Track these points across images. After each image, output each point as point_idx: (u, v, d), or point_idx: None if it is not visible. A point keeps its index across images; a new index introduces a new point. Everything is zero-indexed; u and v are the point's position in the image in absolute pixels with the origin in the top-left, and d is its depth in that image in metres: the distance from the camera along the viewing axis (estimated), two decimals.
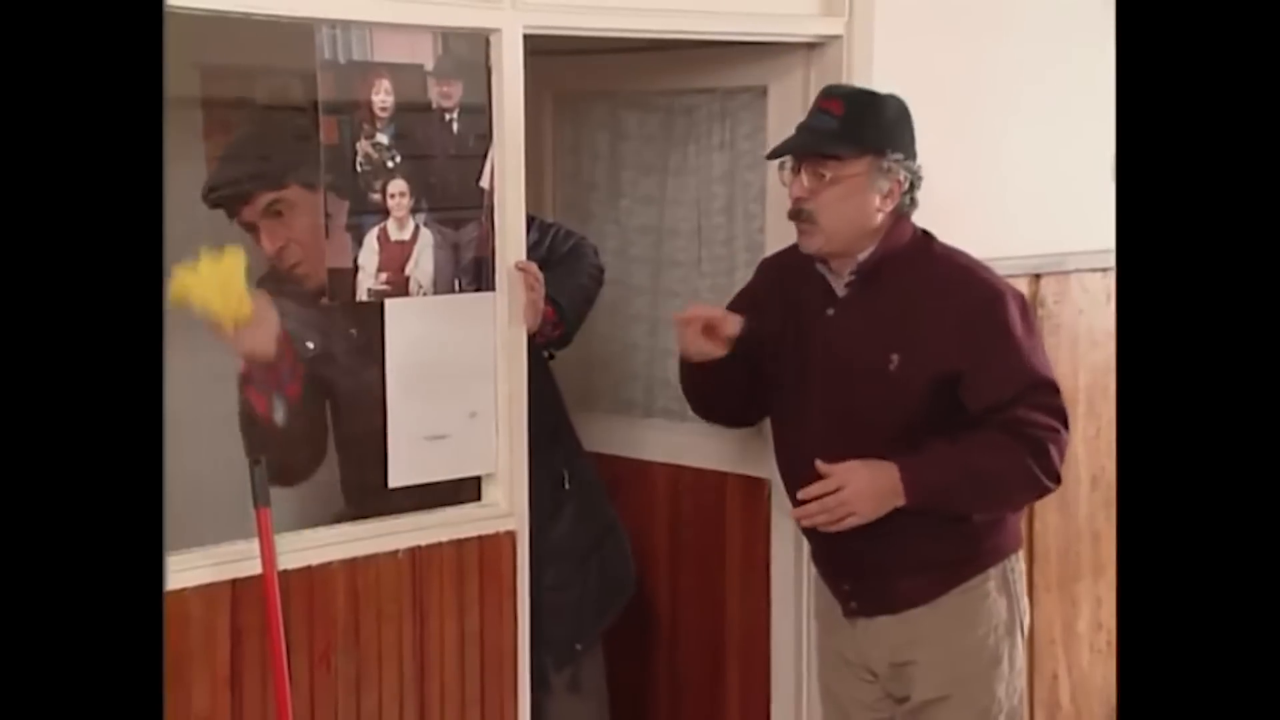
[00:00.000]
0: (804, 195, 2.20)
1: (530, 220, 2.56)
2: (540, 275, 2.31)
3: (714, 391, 2.38)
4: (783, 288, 2.36)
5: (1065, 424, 2.21)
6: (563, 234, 2.61)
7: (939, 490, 2.17)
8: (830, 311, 2.25)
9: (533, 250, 2.44)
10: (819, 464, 2.18)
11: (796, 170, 2.22)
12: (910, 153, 2.22)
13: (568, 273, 2.51)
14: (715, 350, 2.26)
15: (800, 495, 2.20)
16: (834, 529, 2.18)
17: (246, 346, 2.10)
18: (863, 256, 2.22)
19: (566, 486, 2.53)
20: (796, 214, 2.22)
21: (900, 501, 2.16)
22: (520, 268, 2.28)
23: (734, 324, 2.25)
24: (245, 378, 2.20)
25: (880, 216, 2.21)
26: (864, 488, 2.15)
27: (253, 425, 2.23)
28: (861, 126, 2.19)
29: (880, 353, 2.19)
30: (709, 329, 2.25)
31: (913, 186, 2.22)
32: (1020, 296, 2.26)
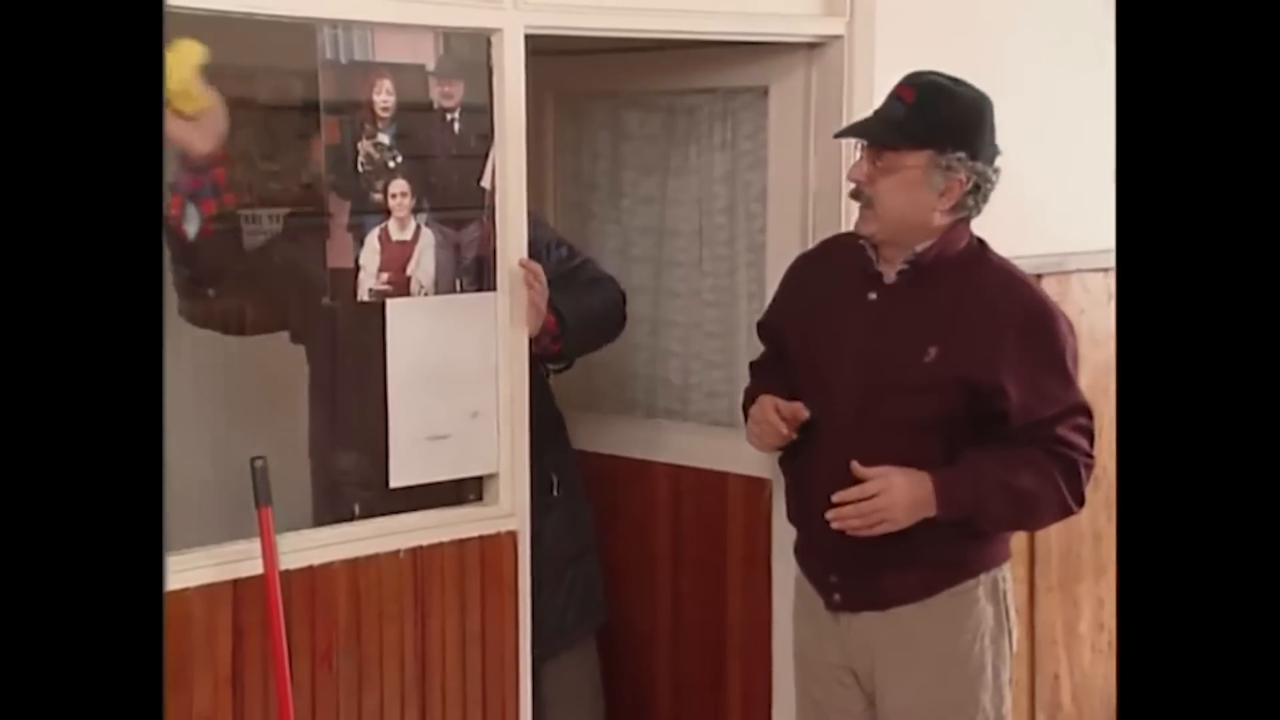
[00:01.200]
0: (861, 178, 2.19)
1: (561, 242, 2.57)
2: (541, 274, 2.31)
3: None
4: (807, 286, 2.36)
5: (1093, 446, 2.21)
6: (592, 265, 2.61)
7: (970, 505, 2.15)
8: (873, 296, 2.23)
9: (557, 265, 2.46)
10: (855, 466, 2.15)
11: (863, 152, 2.21)
12: (979, 153, 2.16)
13: (584, 293, 2.51)
14: (790, 436, 2.24)
15: (836, 498, 2.16)
16: (865, 534, 2.16)
17: (190, 136, 2.01)
18: (920, 248, 2.20)
19: (555, 492, 2.53)
20: (856, 195, 2.22)
21: (931, 512, 2.14)
22: (521, 264, 2.28)
23: (804, 412, 2.23)
24: (172, 185, 2.08)
25: (937, 215, 2.17)
26: (900, 496, 2.13)
27: (170, 236, 2.12)
28: (925, 119, 2.14)
29: (919, 343, 2.17)
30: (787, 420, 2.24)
31: (977, 188, 2.17)
32: (1067, 319, 2.24)
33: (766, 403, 2.26)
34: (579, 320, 2.45)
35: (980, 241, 2.27)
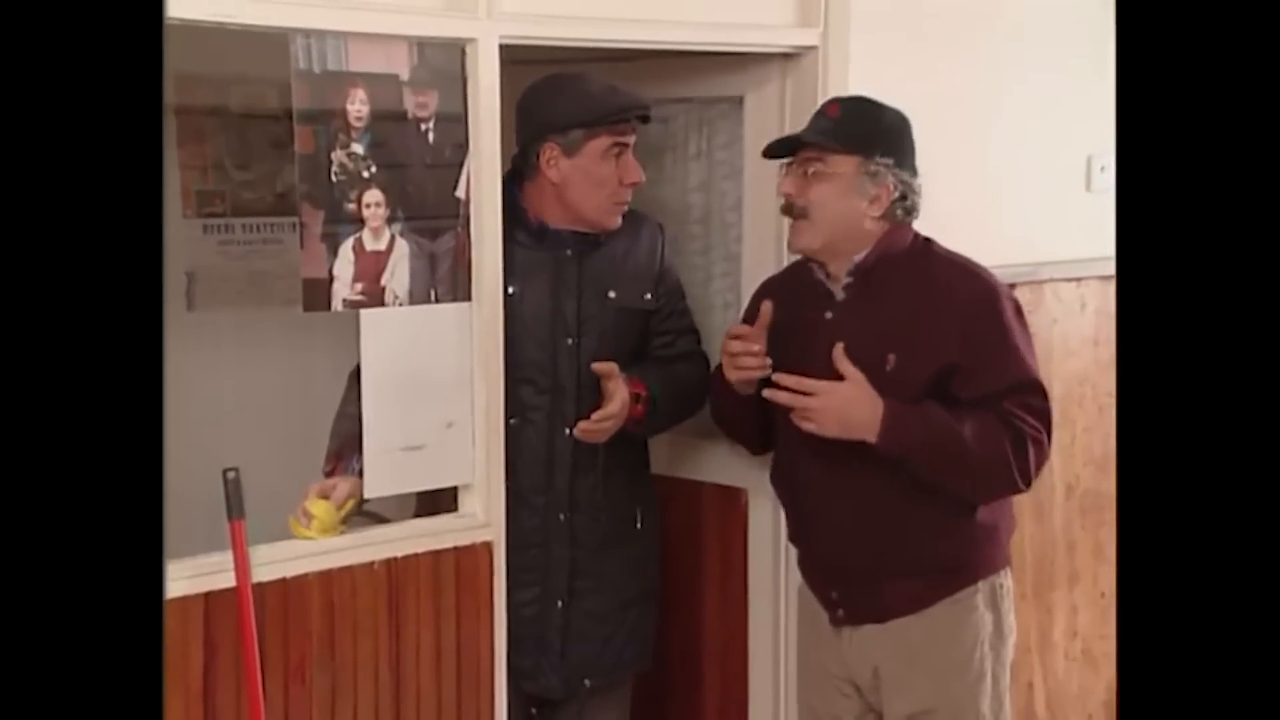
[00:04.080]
0: (792, 191, 2.24)
1: (683, 295, 2.56)
2: (621, 405, 2.32)
3: (748, 422, 2.41)
4: (774, 310, 2.37)
5: (1049, 430, 2.20)
6: (695, 336, 2.59)
7: (912, 444, 2.14)
8: (828, 315, 2.26)
9: (664, 318, 2.49)
10: (836, 353, 2.15)
11: (790, 167, 2.26)
12: (902, 161, 2.23)
13: (679, 379, 2.48)
14: (765, 362, 2.26)
15: (777, 378, 2.18)
16: (800, 424, 2.17)
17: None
18: (858, 258, 2.23)
19: (640, 525, 2.52)
20: (788, 209, 2.26)
21: (870, 438, 2.14)
22: (601, 372, 2.32)
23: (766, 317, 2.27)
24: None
25: (869, 222, 2.22)
26: (838, 403, 2.14)
27: None
28: (852, 128, 2.21)
29: (877, 353, 2.19)
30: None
31: (905, 196, 2.22)
32: (1014, 299, 2.26)
33: (731, 339, 2.29)
34: (666, 410, 2.44)
35: (926, 240, 2.30)
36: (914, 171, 2.25)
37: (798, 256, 2.54)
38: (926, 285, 2.23)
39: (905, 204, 2.23)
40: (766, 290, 2.46)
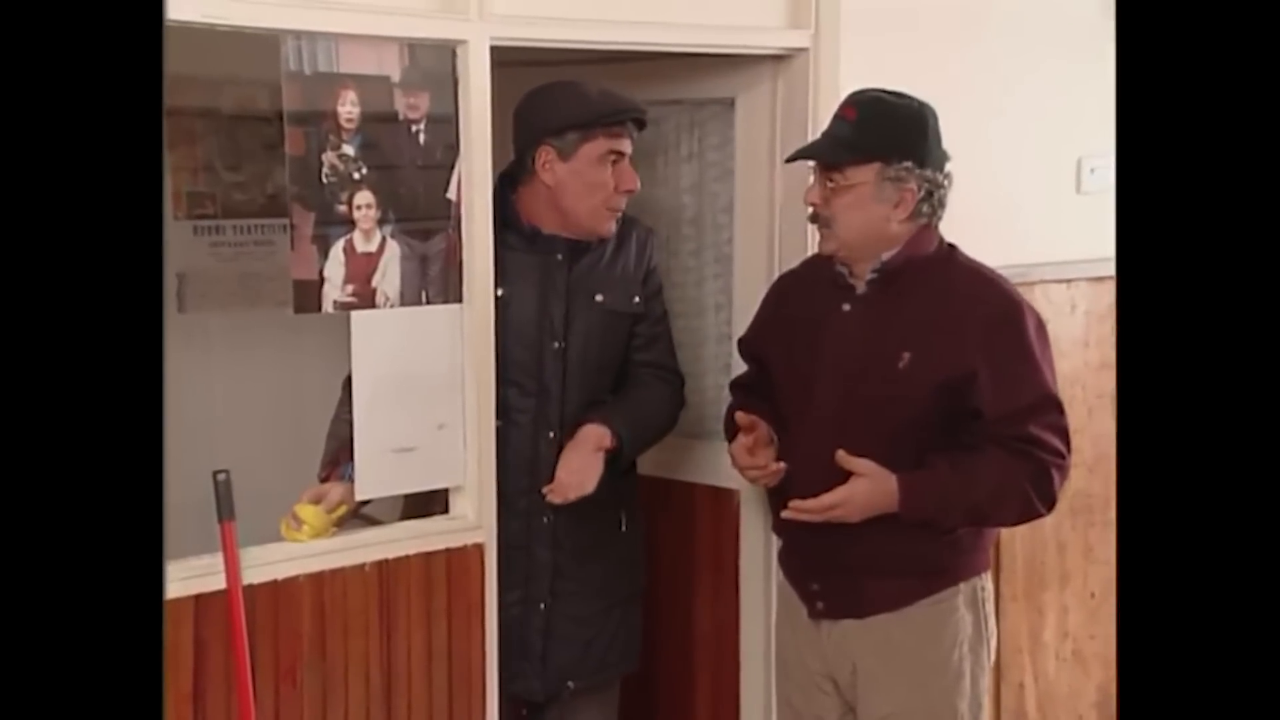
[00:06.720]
0: (817, 202, 2.23)
1: (661, 300, 2.56)
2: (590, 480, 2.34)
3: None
4: (787, 303, 2.39)
5: (1069, 445, 2.21)
6: (667, 344, 2.58)
7: (929, 509, 2.17)
8: (846, 307, 2.26)
9: (637, 321, 2.48)
10: (840, 455, 2.16)
11: (816, 175, 2.25)
12: (925, 160, 2.20)
13: (649, 403, 2.50)
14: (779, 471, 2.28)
15: (793, 505, 2.19)
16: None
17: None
18: (886, 257, 2.23)
19: (623, 529, 2.53)
20: (814, 218, 2.26)
21: (893, 510, 2.17)
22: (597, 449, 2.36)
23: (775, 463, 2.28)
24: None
25: (894, 225, 2.21)
26: (857, 511, 2.16)
27: None
28: (867, 134, 2.19)
29: (892, 350, 2.19)
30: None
31: (930, 195, 2.21)
32: (1037, 314, 2.26)
33: (741, 453, 2.29)
34: (634, 443, 2.46)
35: (950, 246, 2.30)
36: (940, 163, 2.22)
37: (792, 257, 2.55)
38: (948, 291, 2.22)
39: (932, 201, 2.22)
40: (783, 283, 2.47)
